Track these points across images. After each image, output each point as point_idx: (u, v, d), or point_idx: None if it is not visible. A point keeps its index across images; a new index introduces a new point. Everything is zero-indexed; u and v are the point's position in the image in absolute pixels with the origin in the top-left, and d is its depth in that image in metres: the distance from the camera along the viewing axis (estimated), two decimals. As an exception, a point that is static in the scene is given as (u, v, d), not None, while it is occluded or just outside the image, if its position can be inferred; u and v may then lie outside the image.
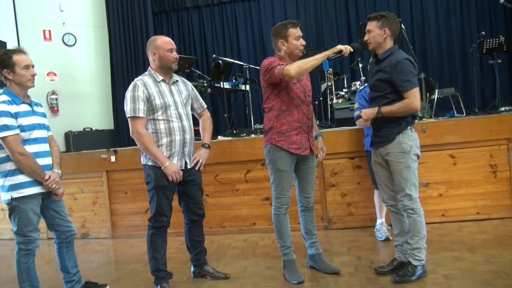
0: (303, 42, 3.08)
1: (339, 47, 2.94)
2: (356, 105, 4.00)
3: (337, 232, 4.44)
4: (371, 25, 2.93)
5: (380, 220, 4.12)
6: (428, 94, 5.71)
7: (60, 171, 2.97)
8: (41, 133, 2.91)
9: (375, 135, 3.06)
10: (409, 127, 2.91)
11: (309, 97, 3.18)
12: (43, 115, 3.00)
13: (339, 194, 4.53)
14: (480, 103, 6.40)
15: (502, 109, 5.29)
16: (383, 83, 2.90)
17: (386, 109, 2.87)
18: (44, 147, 2.92)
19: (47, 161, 2.91)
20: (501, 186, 4.31)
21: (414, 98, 2.80)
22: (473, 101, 6.38)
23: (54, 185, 2.83)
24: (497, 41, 5.67)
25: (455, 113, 5.67)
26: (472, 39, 7.40)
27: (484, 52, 5.83)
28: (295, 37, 3.04)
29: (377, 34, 2.91)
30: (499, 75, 5.86)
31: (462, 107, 5.61)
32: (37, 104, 2.98)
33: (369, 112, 2.95)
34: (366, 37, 2.97)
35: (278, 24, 3.11)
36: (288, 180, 3.12)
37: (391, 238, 3.92)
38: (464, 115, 5.39)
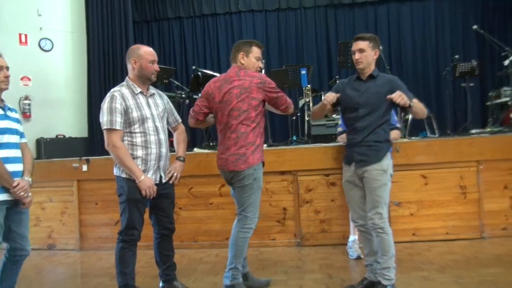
0: (261, 65, 3.16)
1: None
2: (339, 122, 4.05)
3: (310, 249, 4.43)
4: (364, 45, 2.93)
5: (353, 237, 4.10)
6: (402, 114, 5.81)
7: (30, 179, 2.84)
8: (13, 138, 2.79)
9: (359, 153, 2.95)
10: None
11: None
12: (17, 120, 2.89)
13: (313, 210, 4.54)
14: (452, 124, 6.56)
15: (473, 131, 5.43)
16: (380, 99, 2.88)
17: (416, 104, 2.86)
18: (15, 153, 2.79)
19: (17, 167, 2.78)
20: (470, 207, 4.40)
21: (422, 103, 2.87)
22: (446, 122, 6.54)
23: (22, 193, 2.69)
24: (469, 65, 5.84)
25: (428, 133, 5.79)
26: (446, 62, 7.63)
27: (457, 75, 6.00)
28: (255, 56, 3.12)
29: (369, 54, 2.94)
30: (471, 98, 6.03)
31: (435, 128, 5.74)
32: (11, 109, 2.88)
33: (404, 101, 2.74)
34: (357, 56, 2.93)
35: (244, 40, 3.21)
36: None
37: (362, 257, 3.91)
38: (437, 136, 5.51)
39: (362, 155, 2.94)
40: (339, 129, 4.08)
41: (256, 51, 3.12)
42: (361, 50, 2.93)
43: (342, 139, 3.89)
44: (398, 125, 4.08)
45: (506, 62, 5.26)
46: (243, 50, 3.11)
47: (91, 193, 4.92)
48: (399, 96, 2.74)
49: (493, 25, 7.97)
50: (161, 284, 3.29)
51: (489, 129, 5.62)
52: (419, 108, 2.91)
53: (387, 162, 2.92)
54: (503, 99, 6.16)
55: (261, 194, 3.14)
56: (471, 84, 6.03)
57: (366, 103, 2.94)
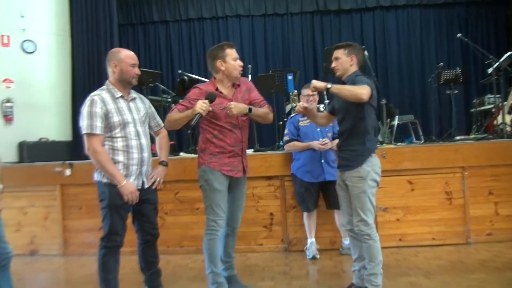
0: (241, 63, 3.11)
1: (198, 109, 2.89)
2: (286, 131, 4.30)
3: (296, 254, 4.40)
4: (339, 53, 3.02)
5: (311, 240, 4.26)
6: (388, 120, 5.87)
7: (1, 186, 2.72)
8: None
9: (341, 157, 3.07)
10: (372, 154, 2.94)
11: (243, 121, 3.16)
12: None
13: (300, 216, 4.51)
14: (437, 130, 6.63)
15: (458, 138, 5.50)
16: (350, 104, 2.89)
17: (336, 86, 2.89)
18: None
19: None
20: (455, 212, 4.43)
21: (364, 89, 2.78)
22: (431, 128, 6.62)
23: None
24: (453, 73, 5.92)
25: (414, 139, 5.84)
26: (432, 69, 7.73)
27: (441, 82, 6.07)
28: (233, 57, 3.08)
29: (344, 60, 3.00)
30: (455, 105, 6.10)
31: (421, 134, 5.80)
32: None
33: (319, 84, 2.93)
34: (334, 64, 3.04)
35: (214, 47, 3.16)
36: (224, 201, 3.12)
37: (317, 257, 4.17)
38: (422, 141, 5.56)
39: (342, 160, 3.04)
40: (286, 138, 4.36)
41: (230, 53, 3.08)
42: (336, 58, 3.04)
43: (288, 147, 4.29)
44: None
45: (490, 70, 5.34)
46: (219, 57, 3.06)
47: (74, 198, 4.82)
48: (316, 83, 2.93)
49: (476, 34, 8.12)
50: (146, 291, 3.23)
51: (473, 136, 5.70)
52: (345, 90, 2.84)
53: (367, 169, 2.90)
54: (487, 106, 6.27)
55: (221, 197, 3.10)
56: (456, 91, 6.11)
57: (341, 108, 3.03)
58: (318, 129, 4.20)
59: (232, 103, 2.98)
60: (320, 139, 4.11)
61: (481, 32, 8.17)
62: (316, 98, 4.32)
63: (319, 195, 4.32)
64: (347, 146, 2.98)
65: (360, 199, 2.89)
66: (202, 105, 2.87)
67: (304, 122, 4.26)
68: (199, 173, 3.12)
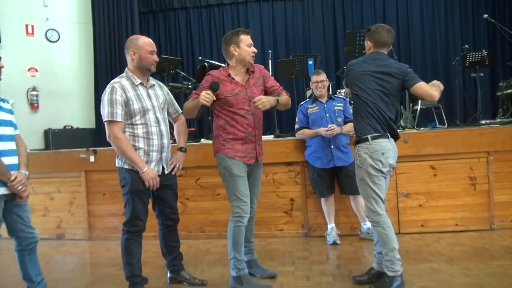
0: (255, 50, 3.10)
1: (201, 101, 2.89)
2: (296, 119, 4.33)
3: (317, 240, 4.42)
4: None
5: (330, 225, 4.30)
6: (411, 105, 5.76)
7: (27, 172, 2.75)
8: (7, 130, 2.69)
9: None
10: (369, 138, 2.88)
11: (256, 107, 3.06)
12: (10, 111, 2.78)
13: (319, 201, 4.51)
14: (461, 115, 6.48)
15: (483, 122, 5.37)
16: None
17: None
18: (10, 145, 2.69)
19: (12, 160, 2.68)
20: (479, 198, 4.35)
21: None
22: (455, 113, 6.46)
23: (20, 187, 2.62)
24: (479, 55, 5.76)
25: (437, 124, 5.73)
26: (456, 52, 7.53)
27: (467, 65, 5.91)
28: (247, 43, 3.07)
29: (367, 46, 3.07)
30: (480, 88, 5.95)
31: (444, 118, 5.67)
32: (3, 100, 2.75)
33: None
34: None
35: (229, 32, 3.15)
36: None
37: (338, 242, 4.19)
38: (446, 126, 5.45)
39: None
40: (296, 126, 4.40)
41: (245, 39, 3.06)
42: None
43: (299, 135, 4.32)
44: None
45: (517, 52, 5.16)
46: (233, 42, 3.05)
47: (98, 184, 4.94)
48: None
49: (504, 14, 7.83)
50: (168, 275, 3.31)
51: (499, 120, 5.55)
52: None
53: (362, 156, 2.87)
54: (514, 89, 6.07)
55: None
56: (481, 74, 5.94)
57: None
58: (327, 115, 4.21)
59: (262, 97, 2.98)
60: (329, 125, 4.11)
61: (509, 12, 7.86)
62: (326, 84, 4.31)
63: (334, 180, 4.32)
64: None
65: (360, 187, 2.96)
66: (205, 96, 2.87)
67: (313, 109, 4.27)
68: (217, 160, 3.12)
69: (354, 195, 4.16)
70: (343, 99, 4.49)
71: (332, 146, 4.15)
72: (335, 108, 4.28)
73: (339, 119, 4.24)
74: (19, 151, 2.78)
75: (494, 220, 4.33)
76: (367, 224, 4.22)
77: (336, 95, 4.70)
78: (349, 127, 4.11)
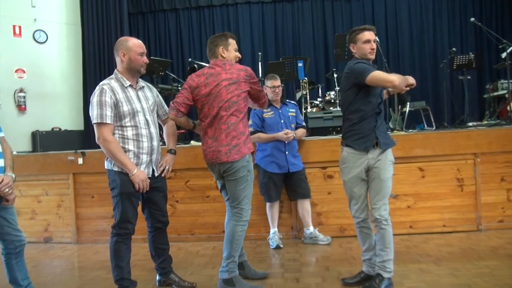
0: (239, 55, 3.19)
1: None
2: (250, 122, 4.15)
3: (307, 241, 4.43)
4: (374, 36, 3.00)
5: (273, 230, 4.34)
6: (400, 107, 5.81)
7: (13, 175, 2.71)
8: None
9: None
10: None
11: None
12: None
13: (310, 203, 4.52)
14: (449, 117, 6.56)
15: (470, 124, 5.43)
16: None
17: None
18: None
19: None
20: (467, 199, 4.40)
21: None
22: (443, 115, 6.54)
23: (6, 189, 2.58)
24: (467, 58, 5.83)
25: (425, 126, 5.79)
26: (444, 55, 7.62)
27: (454, 68, 5.99)
28: (234, 48, 3.14)
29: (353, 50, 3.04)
30: (468, 90, 6.03)
31: (432, 120, 5.74)
32: None
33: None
34: (374, 46, 2.97)
35: (216, 34, 3.21)
36: None
37: (281, 246, 4.21)
38: (434, 128, 5.50)
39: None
40: (250, 129, 4.13)
41: (233, 43, 3.14)
42: (375, 41, 2.98)
43: (253, 139, 4.07)
44: (303, 124, 4.49)
45: (504, 55, 5.24)
46: (222, 44, 3.09)
47: (87, 186, 4.89)
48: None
49: (490, 18, 7.95)
50: (157, 277, 3.29)
51: (486, 122, 5.63)
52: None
53: (391, 153, 3.05)
54: (500, 92, 6.18)
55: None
56: (468, 77, 6.03)
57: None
58: (282, 121, 4.25)
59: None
60: (285, 130, 4.16)
61: (495, 16, 7.98)
62: (281, 89, 4.36)
63: (282, 186, 4.34)
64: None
65: (387, 182, 2.97)
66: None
67: (268, 114, 4.28)
68: (243, 163, 3.00)
69: (304, 199, 4.28)
70: (295, 104, 4.54)
71: (287, 152, 4.20)
72: (289, 114, 4.33)
73: (292, 125, 4.31)
74: (5, 154, 2.73)
75: (481, 221, 4.38)
76: (310, 229, 4.30)
77: (288, 100, 4.63)
78: (301, 132, 4.35)
